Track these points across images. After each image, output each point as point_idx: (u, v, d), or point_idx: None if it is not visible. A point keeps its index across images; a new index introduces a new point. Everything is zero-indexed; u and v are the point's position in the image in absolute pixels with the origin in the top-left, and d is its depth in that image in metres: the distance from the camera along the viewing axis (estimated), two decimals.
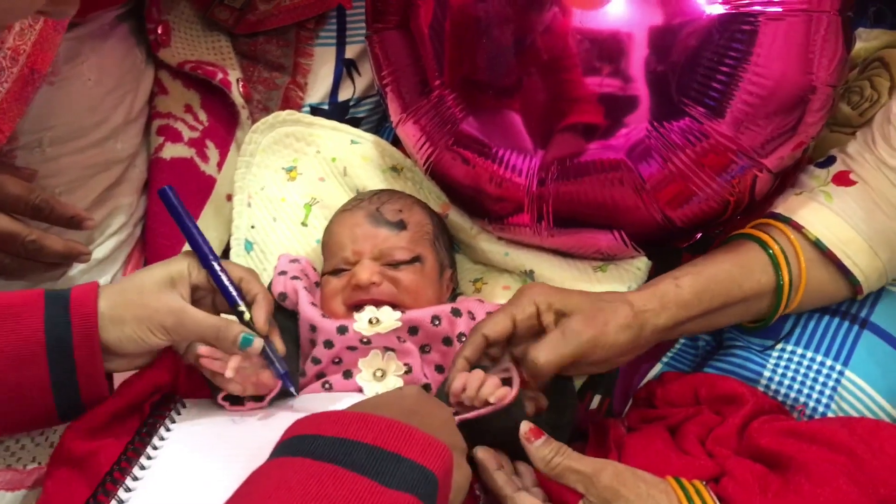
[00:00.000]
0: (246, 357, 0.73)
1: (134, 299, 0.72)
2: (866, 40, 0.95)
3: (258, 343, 0.73)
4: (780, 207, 0.84)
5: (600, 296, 0.79)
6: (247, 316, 0.74)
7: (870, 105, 0.92)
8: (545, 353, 0.73)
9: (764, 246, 0.81)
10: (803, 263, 0.80)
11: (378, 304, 0.81)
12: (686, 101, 0.73)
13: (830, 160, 0.86)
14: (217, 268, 0.75)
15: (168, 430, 0.73)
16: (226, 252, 0.98)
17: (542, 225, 0.84)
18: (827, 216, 0.81)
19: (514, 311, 0.76)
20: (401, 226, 0.85)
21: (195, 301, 0.75)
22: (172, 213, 0.77)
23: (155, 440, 0.72)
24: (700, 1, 0.73)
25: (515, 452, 0.74)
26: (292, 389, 0.75)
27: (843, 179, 0.83)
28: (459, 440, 0.65)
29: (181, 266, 0.75)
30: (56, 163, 0.90)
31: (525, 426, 0.71)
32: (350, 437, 0.55)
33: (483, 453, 0.74)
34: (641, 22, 0.73)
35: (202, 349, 0.73)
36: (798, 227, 0.81)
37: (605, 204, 0.79)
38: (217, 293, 0.76)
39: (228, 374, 0.72)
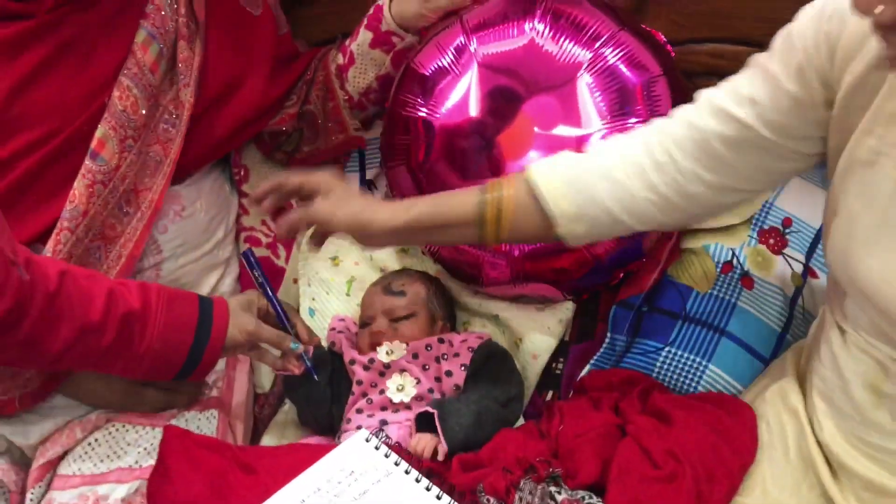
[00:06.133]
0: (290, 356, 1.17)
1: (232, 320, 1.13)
2: None
3: (301, 348, 1.16)
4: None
5: (362, 217, 1.05)
6: (295, 338, 1.18)
7: None
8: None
9: (483, 188, 1.04)
10: (511, 203, 1.01)
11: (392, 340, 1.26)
12: None
13: None
14: (279, 307, 1.18)
15: None
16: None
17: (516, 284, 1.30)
18: (546, 161, 1.02)
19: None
20: (402, 294, 1.30)
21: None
22: (250, 268, 1.20)
23: None
24: None
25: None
26: (316, 377, 1.18)
27: (580, 146, 1.09)
28: None
29: (252, 297, 1.16)
30: (185, 268, 1.34)
31: None
32: None
33: None
34: None
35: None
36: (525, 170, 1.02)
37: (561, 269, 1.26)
38: (267, 315, 1.17)
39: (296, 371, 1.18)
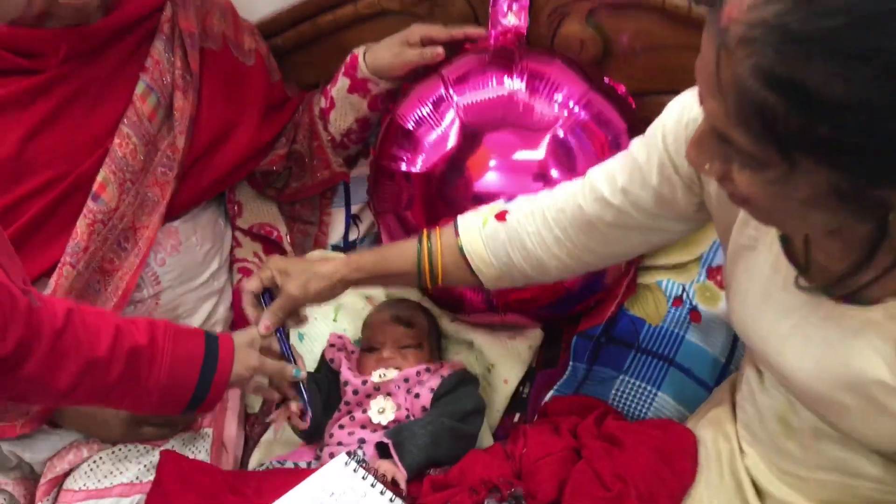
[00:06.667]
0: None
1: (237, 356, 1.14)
2: None
3: (303, 374, 1.21)
4: (460, 218, 1.20)
5: (313, 264, 1.23)
6: (297, 365, 1.21)
7: None
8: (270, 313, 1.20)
9: (420, 242, 1.20)
10: (440, 256, 1.18)
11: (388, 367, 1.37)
12: None
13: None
14: (287, 343, 1.23)
15: None
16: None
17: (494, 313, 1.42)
18: (474, 229, 1.18)
19: (261, 275, 1.21)
20: (411, 325, 1.42)
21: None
22: (265, 301, 1.23)
23: None
24: None
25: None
26: (310, 410, 1.22)
27: (500, 216, 1.18)
28: None
29: (254, 334, 1.19)
30: (182, 297, 1.45)
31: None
32: None
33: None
34: None
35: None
36: (458, 234, 1.18)
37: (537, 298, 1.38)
38: (268, 353, 1.19)
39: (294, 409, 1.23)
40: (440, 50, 1.42)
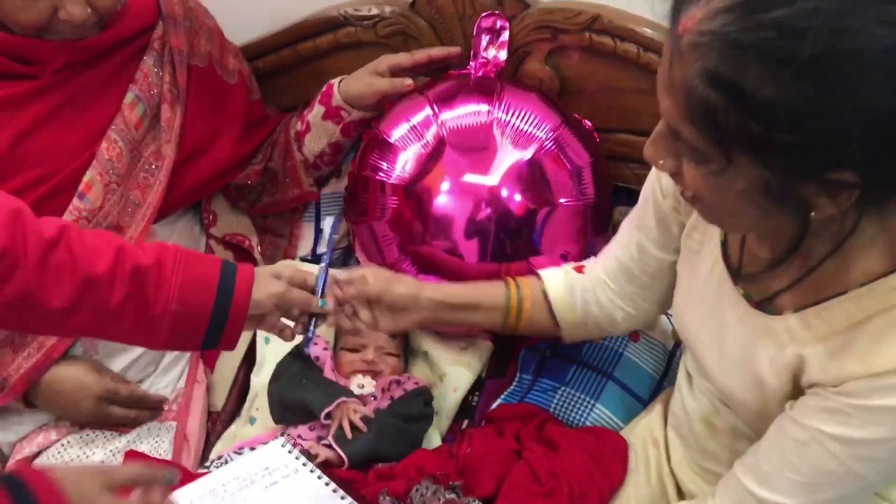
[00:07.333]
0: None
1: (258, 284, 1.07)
2: None
3: (329, 307, 1.15)
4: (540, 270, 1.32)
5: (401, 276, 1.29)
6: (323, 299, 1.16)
7: None
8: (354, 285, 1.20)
9: (507, 285, 1.30)
10: (528, 301, 1.28)
11: (365, 374, 1.43)
12: None
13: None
14: (325, 280, 1.16)
15: None
16: (253, 342, 1.60)
17: None
18: (558, 278, 1.30)
19: (354, 270, 1.24)
20: (394, 336, 1.49)
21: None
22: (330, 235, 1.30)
23: None
24: None
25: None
26: (308, 349, 1.23)
27: (579, 269, 1.32)
28: None
29: (281, 269, 1.13)
30: None
31: None
32: None
33: None
34: None
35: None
36: (540, 278, 1.30)
37: None
38: (298, 285, 1.13)
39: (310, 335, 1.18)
40: (409, 81, 1.54)
